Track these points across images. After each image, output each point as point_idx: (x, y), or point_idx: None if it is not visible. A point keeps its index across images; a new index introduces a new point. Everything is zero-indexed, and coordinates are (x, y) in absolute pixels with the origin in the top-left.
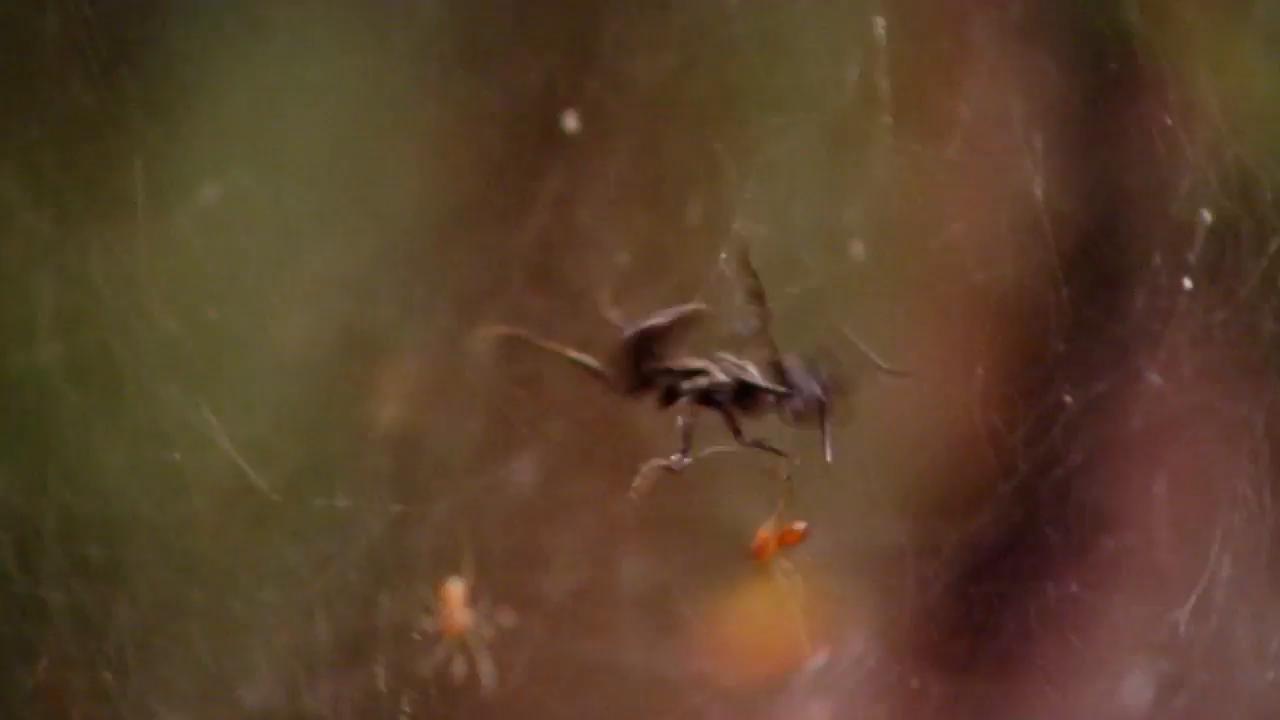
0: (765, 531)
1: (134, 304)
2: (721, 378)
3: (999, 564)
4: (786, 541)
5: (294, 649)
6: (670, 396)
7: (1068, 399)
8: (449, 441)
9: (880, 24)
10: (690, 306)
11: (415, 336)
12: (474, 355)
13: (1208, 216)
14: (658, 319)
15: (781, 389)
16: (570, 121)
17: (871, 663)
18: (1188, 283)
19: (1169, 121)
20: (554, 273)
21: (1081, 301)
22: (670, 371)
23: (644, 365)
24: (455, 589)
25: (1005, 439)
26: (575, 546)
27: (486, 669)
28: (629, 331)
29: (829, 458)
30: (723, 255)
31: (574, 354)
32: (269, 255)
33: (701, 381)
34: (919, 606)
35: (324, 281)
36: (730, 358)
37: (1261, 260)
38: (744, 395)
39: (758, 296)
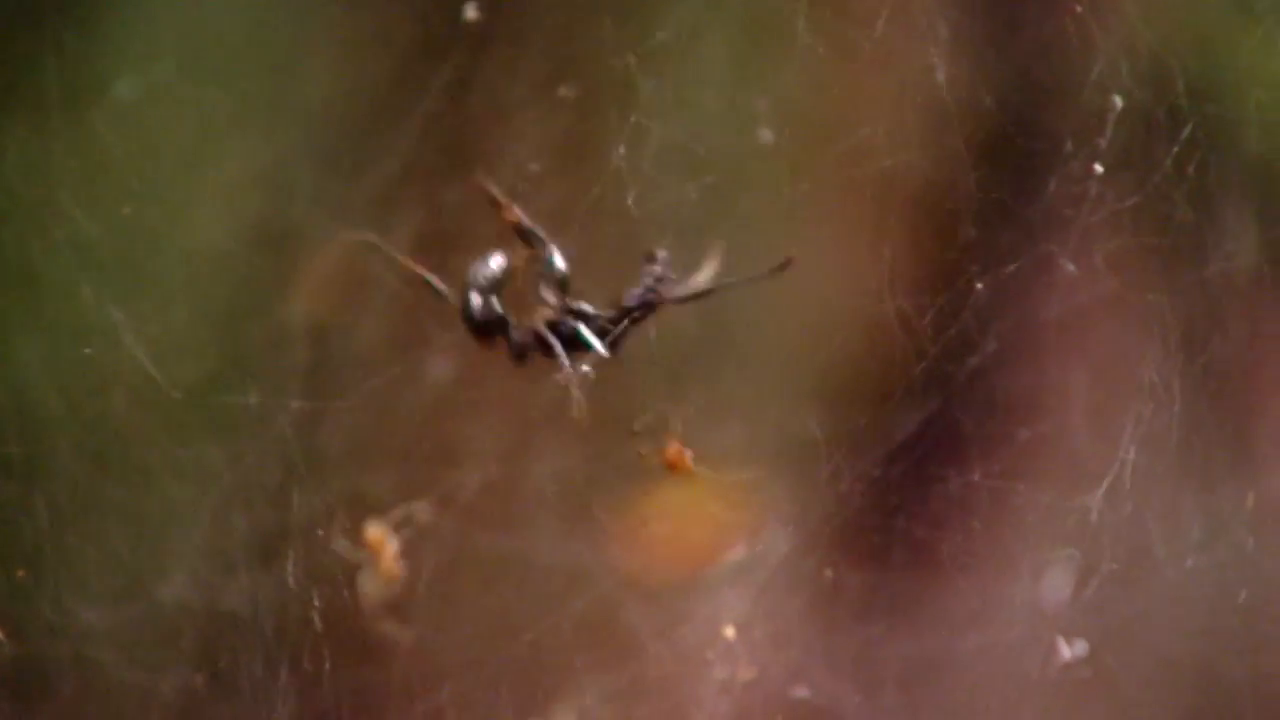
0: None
1: (49, 201)
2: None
3: (911, 452)
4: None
5: (209, 545)
6: (518, 354)
7: (978, 285)
8: (362, 338)
9: None
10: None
11: (328, 233)
12: (386, 251)
13: (1119, 102)
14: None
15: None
16: (471, 12)
17: (786, 554)
18: (1099, 169)
19: (1079, 9)
20: (464, 168)
21: (992, 187)
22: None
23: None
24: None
25: (916, 325)
26: (488, 441)
27: (399, 564)
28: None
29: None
30: (621, 149)
31: (427, 275)
32: (183, 152)
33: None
34: (832, 496)
35: (238, 178)
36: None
37: (1173, 147)
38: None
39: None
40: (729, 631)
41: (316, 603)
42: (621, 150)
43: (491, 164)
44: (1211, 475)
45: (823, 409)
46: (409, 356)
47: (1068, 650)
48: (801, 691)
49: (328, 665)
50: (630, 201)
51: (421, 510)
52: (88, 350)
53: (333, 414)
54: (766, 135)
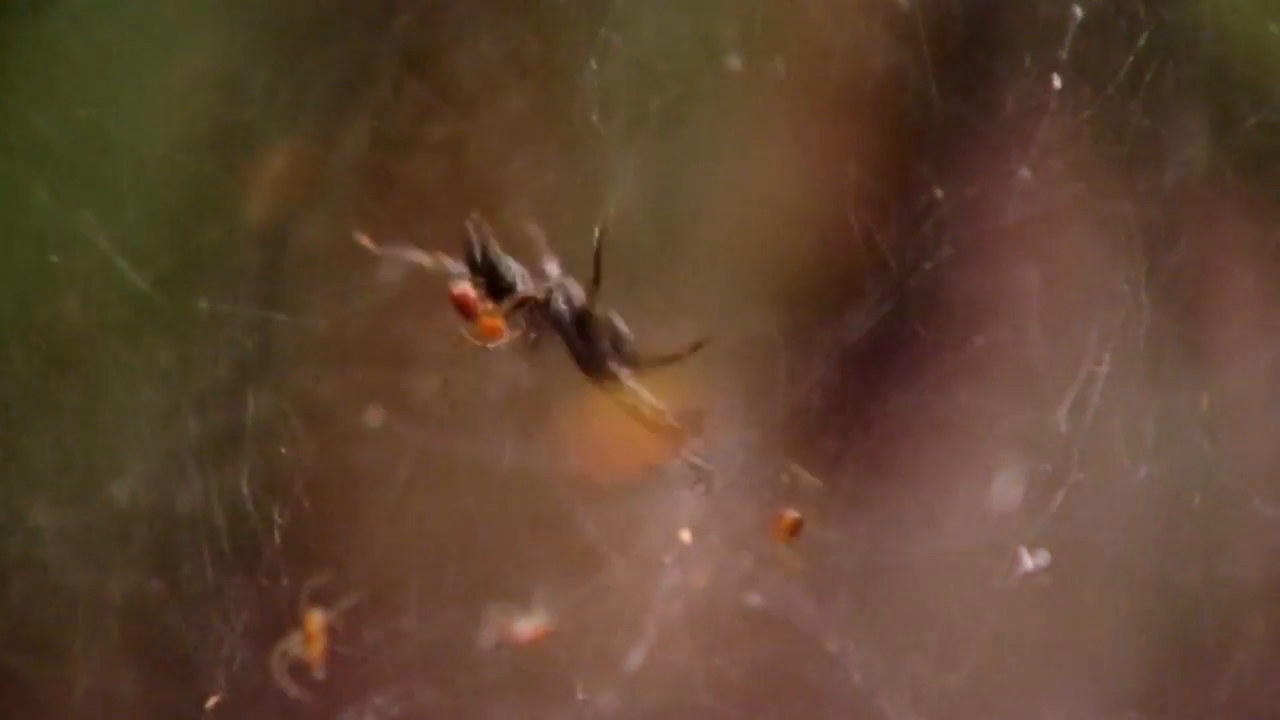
0: None
1: (3, 104)
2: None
3: (870, 359)
4: None
5: (161, 448)
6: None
7: (939, 194)
8: (317, 241)
9: None
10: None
11: (285, 134)
12: (342, 158)
13: (1078, 13)
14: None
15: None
16: None
17: (743, 457)
18: (1058, 80)
19: None
20: (422, 71)
21: (952, 99)
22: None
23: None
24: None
25: (877, 235)
26: (442, 346)
27: (354, 468)
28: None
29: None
30: (592, 63)
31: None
32: (138, 55)
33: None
34: (790, 400)
35: (192, 80)
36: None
37: (1129, 56)
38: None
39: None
40: (685, 536)
41: (275, 513)
42: (593, 65)
43: (451, 71)
44: (1168, 380)
45: (783, 312)
46: (362, 260)
47: (1030, 560)
48: (755, 598)
49: (293, 575)
50: (595, 118)
51: (373, 414)
52: (48, 255)
53: (286, 318)
54: (733, 56)
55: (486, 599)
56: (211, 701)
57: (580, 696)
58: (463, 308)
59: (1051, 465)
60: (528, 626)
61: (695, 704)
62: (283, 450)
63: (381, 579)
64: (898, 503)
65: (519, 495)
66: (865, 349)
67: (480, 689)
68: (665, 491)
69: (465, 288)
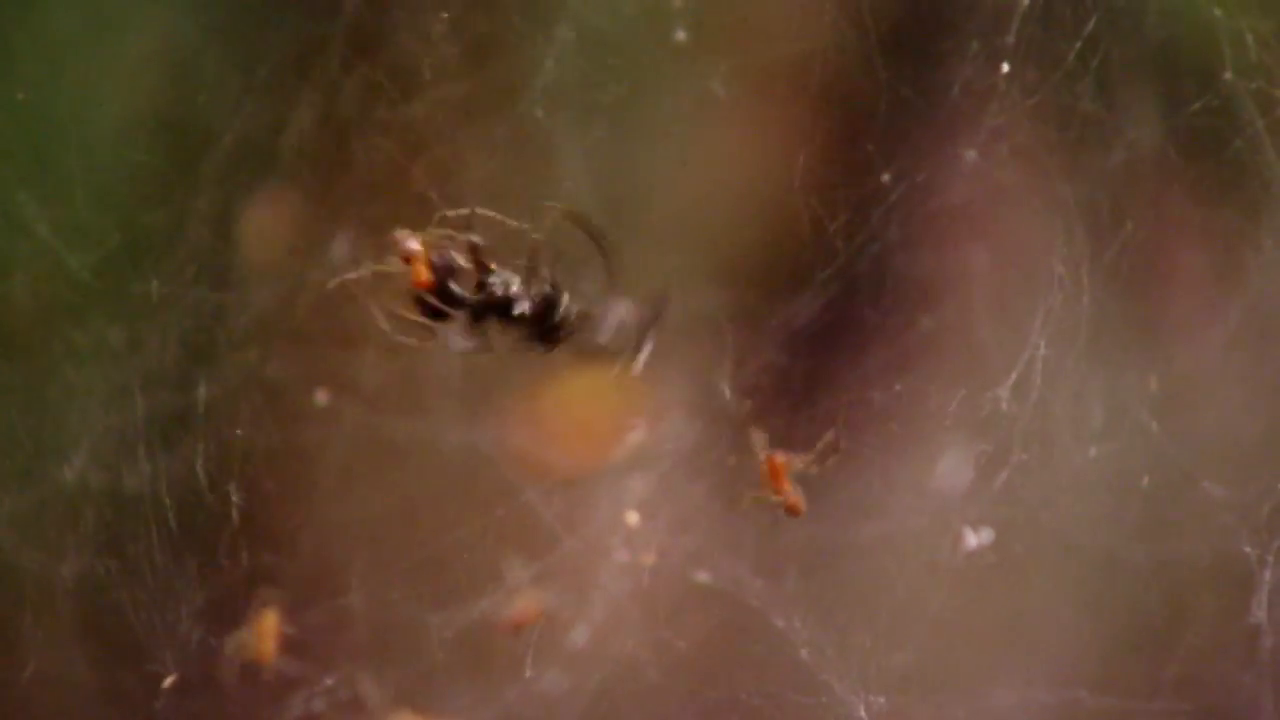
0: None
1: None
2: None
3: (817, 342)
4: None
5: (110, 429)
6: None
7: (884, 177)
8: (266, 225)
9: None
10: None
11: (233, 120)
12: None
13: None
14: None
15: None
16: None
17: (690, 440)
18: (1005, 65)
19: None
20: (373, 51)
21: (900, 83)
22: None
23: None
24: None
25: (823, 217)
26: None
27: (305, 448)
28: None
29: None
30: (539, 41)
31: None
32: (81, 35)
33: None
34: (736, 383)
35: (137, 64)
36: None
37: (1076, 41)
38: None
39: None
40: (632, 518)
41: (231, 491)
42: (541, 44)
43: (406, 44)
44: (1115, 361)
45: (727, 294)
46: (312, 241)
47: (974, 538)
48: (703, 575)
49: (244, 556)
50: (540, 103)
51: (321, 395)
52: None
53: (235, 299)
54: (681, 35)
55: (435, 579)
56: (168, 681)
57: (528, 674)
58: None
59: (996, 445)
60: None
61: (644, 681)
62: (237, 431)
63: (331, 559)
64: (845, 483)
65: (464, 475)
66: (813, 331)
67: (430, 670)
68: (611, 473)
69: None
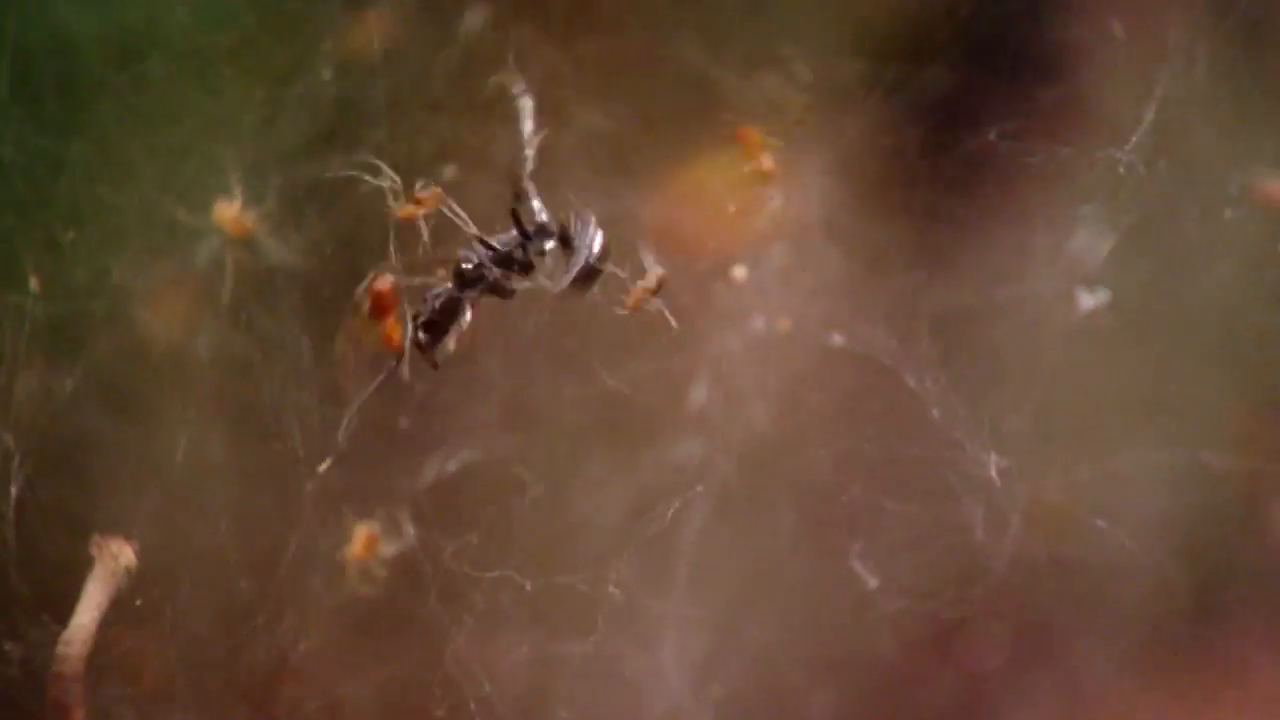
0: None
1: None
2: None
3: (943, 108)
4: None
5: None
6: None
7: None
8: None
9: None
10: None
11: None
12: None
13: None
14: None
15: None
16: None
17: (825, 208)
18: None
19: None
20: None
21: None
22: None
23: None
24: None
25: None
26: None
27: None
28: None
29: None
30: None
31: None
32: None
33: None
34: (869, 148)
35: None
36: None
37: None
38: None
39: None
40: (768, 283)
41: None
42: None
43: None
44: (1247, 128)
45: (859, 63)
46: None
47: (1089, 298)
48: (838, 338)
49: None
50: None
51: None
52: None
53: (371, 70)
54: None
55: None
56: (324, 465)
57: (662, 441)
58: (378, 303)
59: (1115, 212)
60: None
61: (775, 441)
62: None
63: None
64: (974, 247)
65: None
66: (938, 99)
67: (568, 432)
68: (751, 237)
69: (389, 281)
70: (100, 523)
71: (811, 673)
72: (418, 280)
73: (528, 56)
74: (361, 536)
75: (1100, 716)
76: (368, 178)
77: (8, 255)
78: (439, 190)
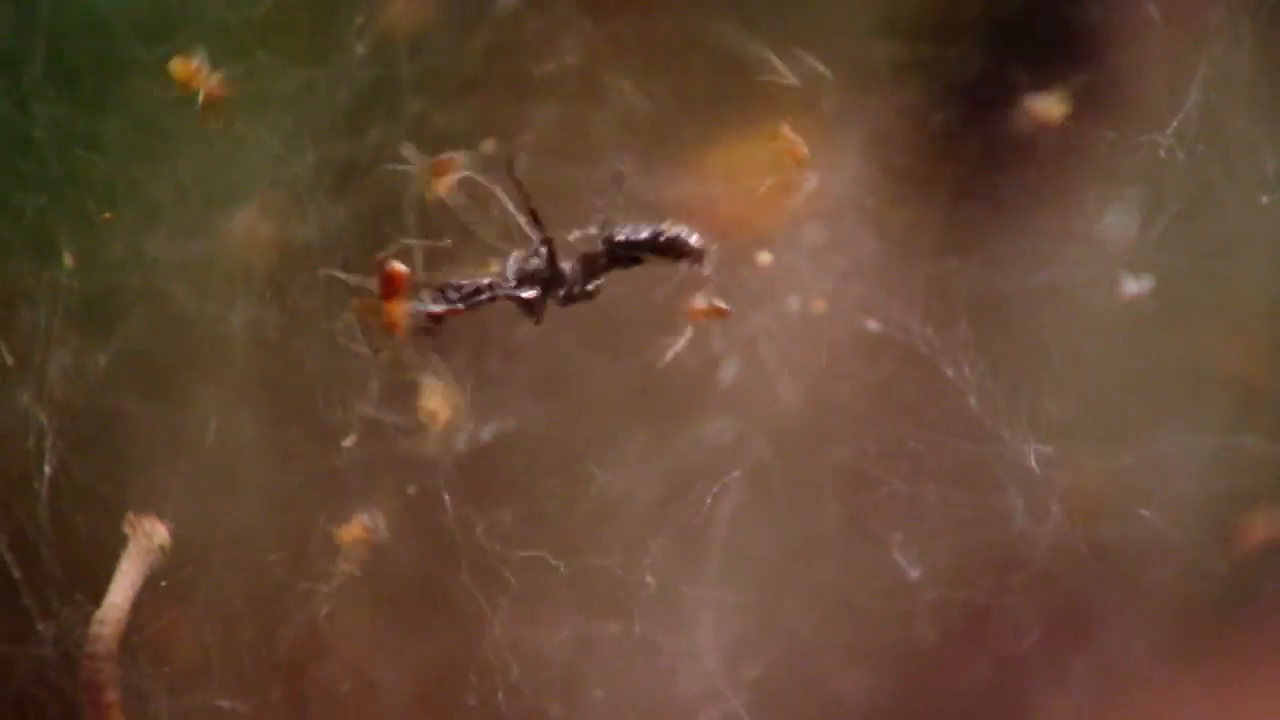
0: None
1: None
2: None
3: (974, 93)
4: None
5: (278, 177)
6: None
7: None
8: None
9: None
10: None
11: None
12: None
13: None
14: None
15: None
16: None
17: (857, 190)
18: None
19: None
20: None
21: None
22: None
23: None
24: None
25: None
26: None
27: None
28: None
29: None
30: None
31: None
32: None
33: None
34: (903, 131)
35: None
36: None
37: None
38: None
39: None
40: (802, 265)
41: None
42: None
43: None
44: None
45: (888, 46)
46: None
47: (1133, 284)
48: (873, 323)
49: None
50: None
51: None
52: None
53: (406, 46)
54: None
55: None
56: (349, 440)
57: (698, 420)
58: (389, 284)
59: (1156, 194)
60: None
61: (813, 427)
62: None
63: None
64: (1012, 232)
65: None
66: (969, 78)
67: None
68: (786, 218)
69: (399, 265)
70: (134, 501)
71: (847, 658)
72: (442, 270)
73: (564, 34)
74: (383, 514)
75: (1139, 701)
76: (403, 154)
77: (42, 232)
78: (457, 157)
